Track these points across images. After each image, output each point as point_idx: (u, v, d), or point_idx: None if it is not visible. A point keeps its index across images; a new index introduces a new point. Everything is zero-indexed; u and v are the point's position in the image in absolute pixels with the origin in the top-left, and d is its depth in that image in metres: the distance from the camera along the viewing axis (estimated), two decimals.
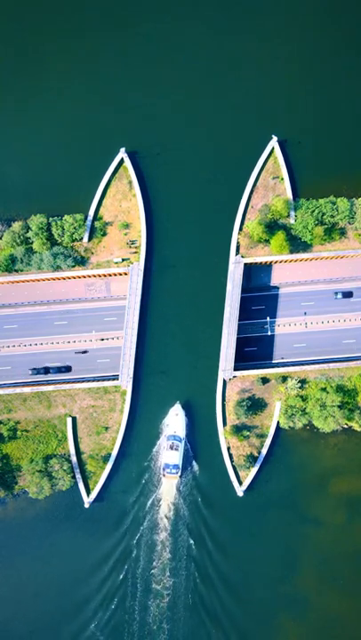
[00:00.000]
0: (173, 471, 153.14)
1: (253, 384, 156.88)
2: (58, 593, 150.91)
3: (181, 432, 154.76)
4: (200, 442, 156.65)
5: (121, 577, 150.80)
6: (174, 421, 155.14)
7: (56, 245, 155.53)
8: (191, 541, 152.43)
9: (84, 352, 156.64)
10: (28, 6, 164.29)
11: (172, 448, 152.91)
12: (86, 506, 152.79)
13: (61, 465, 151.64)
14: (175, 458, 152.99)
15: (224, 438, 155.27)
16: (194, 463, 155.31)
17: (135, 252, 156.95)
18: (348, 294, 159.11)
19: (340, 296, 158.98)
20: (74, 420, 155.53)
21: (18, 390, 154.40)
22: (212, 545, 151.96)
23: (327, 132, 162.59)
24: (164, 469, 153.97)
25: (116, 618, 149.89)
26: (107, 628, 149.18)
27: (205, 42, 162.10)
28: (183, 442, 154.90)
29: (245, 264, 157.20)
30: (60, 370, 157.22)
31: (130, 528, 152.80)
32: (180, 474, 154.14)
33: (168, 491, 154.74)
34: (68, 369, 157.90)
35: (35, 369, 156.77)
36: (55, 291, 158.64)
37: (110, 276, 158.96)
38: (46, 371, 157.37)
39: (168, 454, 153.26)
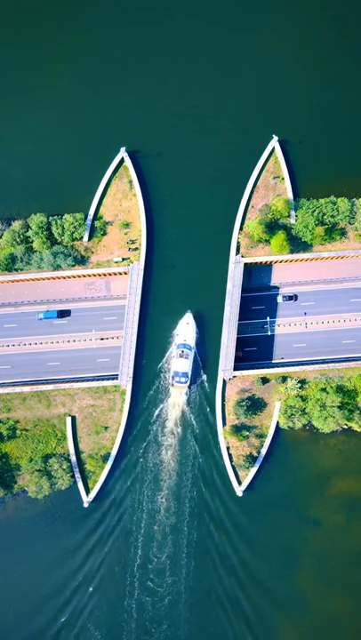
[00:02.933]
0: (183, 380, 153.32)
1: (253, 384, 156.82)
2: (56, 592, 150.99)
3: (192, 341, 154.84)
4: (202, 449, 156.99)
5: (115, 568, 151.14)
6: (185, 330, 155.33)
7: (56, 244, 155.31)
8: (198, 449, 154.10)
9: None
10: (28, 6, 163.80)
11: (181, 356, 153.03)
12: (85, 505, 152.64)
13: (61, 464, 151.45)
14: (185, 366, 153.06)
15: (223, 438, 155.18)
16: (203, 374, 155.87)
17: (135, 251, 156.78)
18: (292, 297, 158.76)
19: (281, 299, 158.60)
20: (73, 419, 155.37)
21: (17, 389, 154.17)
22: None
23: (328, 132, 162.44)
24: (173, 378, 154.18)
25: (115, 617, 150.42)
26: (104, 625, 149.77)
27: (207, 42, 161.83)
28: (193, 351, 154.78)
29: (246, 264, 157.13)
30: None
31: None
32: (188, 383, 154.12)
33: (176, 400, 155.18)
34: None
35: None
36: (55, 290, 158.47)
37: (110, 275, 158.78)
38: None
39: (178, 362, 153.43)
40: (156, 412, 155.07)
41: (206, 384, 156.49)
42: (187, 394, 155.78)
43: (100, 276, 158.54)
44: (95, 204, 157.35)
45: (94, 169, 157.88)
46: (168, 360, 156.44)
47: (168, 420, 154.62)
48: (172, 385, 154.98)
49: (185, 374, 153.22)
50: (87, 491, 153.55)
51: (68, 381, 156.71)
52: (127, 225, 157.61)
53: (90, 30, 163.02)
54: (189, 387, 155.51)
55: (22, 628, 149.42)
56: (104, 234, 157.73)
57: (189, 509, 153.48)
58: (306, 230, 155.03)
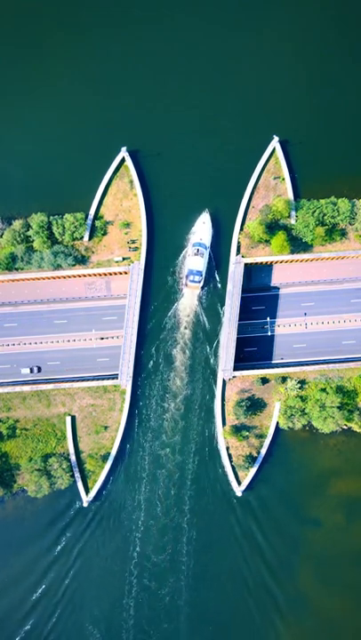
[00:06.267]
0: (197, 278, 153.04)
1: (253, 384, 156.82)
2: (55, 591, 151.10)
3: (207, 240, 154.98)
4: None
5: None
6: (201, 229, 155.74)
7: (57, 244, 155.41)
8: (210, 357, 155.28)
9: None
10: (28, 6, 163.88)
11: (196, 254, 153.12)
12: (85, 505, 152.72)
13: (60, 464, 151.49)
14: (200, 264, 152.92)
15: (223, 438, 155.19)
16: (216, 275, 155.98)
17: (136, 251, 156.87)
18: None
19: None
20: (73, 418, 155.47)
21: (17, 389, 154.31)
22: None
23: (329, 132, 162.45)
24: (187, 277, 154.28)
25: (114, 619, 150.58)
26: (103, 625, 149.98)
27: (207, 42, 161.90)
28: (208, 250, 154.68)
29: (246, 264, 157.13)
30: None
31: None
32: (202, 284, 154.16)
33: (189, 302, 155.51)
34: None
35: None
36: (55, 289, 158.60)
37: (111, 275, 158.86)
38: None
39: (193, 260, 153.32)
40: (169, 313, 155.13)
41: (219, 285, 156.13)
42: (200, 296, 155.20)
43: (100, 275, 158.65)
44: (96, 204, 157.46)
45: (95, 169, 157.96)
46: (183, 259, 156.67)
47: (180, 321, 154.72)
48: (186, 285, 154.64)
49: (199, 272, 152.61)
50: (87, 490, 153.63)
51: (68, 381, 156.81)
52: (128, 225, 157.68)
53: (90, 30, 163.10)
54: (202, 288, 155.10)
55: (18, 627, 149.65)
56: (104, 233, 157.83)
57: (189, 507, 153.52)
58: (306, 231, 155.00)
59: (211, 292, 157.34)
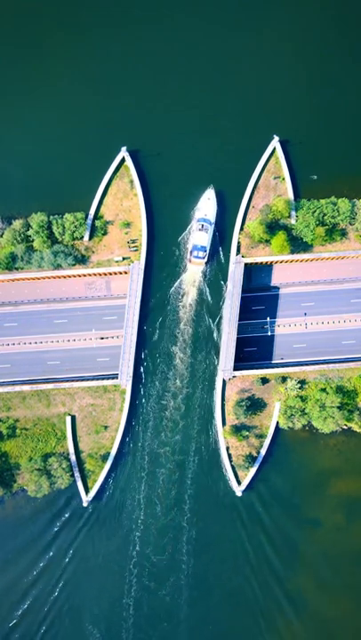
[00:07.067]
0: (201, 254, 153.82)
1: (253, 384, 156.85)
2: (54, 591, 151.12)
3: (212, 216, 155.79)
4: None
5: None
6: (206, 205, 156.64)
7: (57, 244, 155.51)
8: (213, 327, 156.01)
9: None
10: (28, 6, 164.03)
11: (201, 230, 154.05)
12: (85, 504, 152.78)
13: (60, 463, 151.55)
14: (204, 239, 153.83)
15: (223, 438, 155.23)
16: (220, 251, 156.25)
17: (136, 251, 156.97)
18: None
19: None
20: (73, 418, 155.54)
21: (17, 388, 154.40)
22: None
23: (329, 132, 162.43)
24: (191, 252, 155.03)
25: (114, 618, 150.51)
26: (103, 625, 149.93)
27: (207, 42, 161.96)
28: (213, 226, 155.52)
29: (246, 264, 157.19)
30: None
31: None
32: (206, 259, 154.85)
33: (192, 278, 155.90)
34: None
35: None
36: (55, 289, 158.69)
37: (111, 274, 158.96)
38: None
39: (197, 235, 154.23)
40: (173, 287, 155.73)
41: (222, 260, 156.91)
42: (204, 272, 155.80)
43: (100, 275, 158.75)
44: (96, 204, 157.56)
45: (95, 169, 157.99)
46: (187, 235, 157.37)
47: (185, 297, 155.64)
48: (190, 261, 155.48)
49: (203, 248, 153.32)
50: (86, 490, 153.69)
51: (68, 380, 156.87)
52: (128, 224, 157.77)
53: (90, 30, 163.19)
54: (207, 264, 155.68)
55: (17, 626, 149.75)
56: (105, 233, 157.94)
57: (189, 507, 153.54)
58: (307, 230, 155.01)
59: (214, 269, 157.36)
